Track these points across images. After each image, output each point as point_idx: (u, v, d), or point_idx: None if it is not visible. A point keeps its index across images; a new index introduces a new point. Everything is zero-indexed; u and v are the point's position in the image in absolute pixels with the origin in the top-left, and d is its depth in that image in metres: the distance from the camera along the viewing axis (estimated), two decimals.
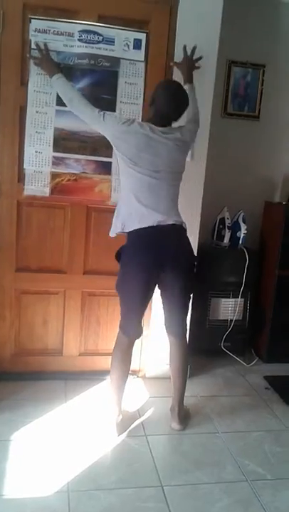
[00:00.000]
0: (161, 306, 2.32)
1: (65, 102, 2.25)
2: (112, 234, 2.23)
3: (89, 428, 2.30)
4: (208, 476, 2.02)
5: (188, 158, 2.33)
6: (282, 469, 2.11)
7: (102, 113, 2.15)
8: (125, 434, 2.27)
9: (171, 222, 2.13)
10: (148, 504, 1.83)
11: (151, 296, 2.26)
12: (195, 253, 2.49)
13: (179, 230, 2.16)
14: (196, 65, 2.45)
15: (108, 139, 2.17)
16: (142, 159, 2.09)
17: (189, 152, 2.37)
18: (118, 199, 2.28)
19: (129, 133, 2.10)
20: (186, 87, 2.32)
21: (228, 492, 1.93)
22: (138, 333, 2.29)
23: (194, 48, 2.44)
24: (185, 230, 2.20)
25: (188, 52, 2.44)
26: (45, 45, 2.35)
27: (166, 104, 2.14)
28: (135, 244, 2.13)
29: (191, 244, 2.27)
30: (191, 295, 2.32)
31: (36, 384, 2.64)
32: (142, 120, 2.38)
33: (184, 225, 2.19)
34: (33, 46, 2.35)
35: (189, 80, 2.42)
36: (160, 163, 2.11)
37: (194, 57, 2.45)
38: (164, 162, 2.12)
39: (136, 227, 2.11)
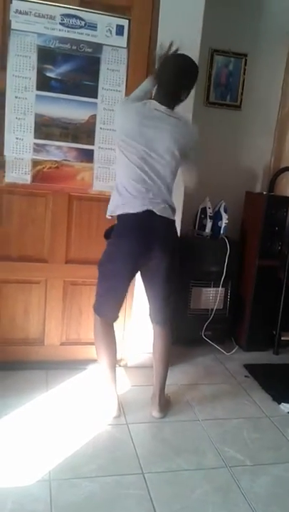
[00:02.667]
0: (145, 294, 2.32)
1: None
2: (107, 215, 2.24)
3: (70, 417, 2.30)
4: (189, 463, 2.04)
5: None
6: (261, 455, 2.15)
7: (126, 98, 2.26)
8: (106, 422, 2.28)
9: (159, 211, 2.11)
10: (129, 491, 1.84)
11: (131, 279, 2.25)
12: None
13: (166, 218, 2.15)
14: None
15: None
16: (136, 140, 2.06)
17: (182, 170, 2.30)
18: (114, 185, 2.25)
19: (128, 109, 2.13)
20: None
21: (208, 478, 1.96)
22: (114, 315, 2.28)
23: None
24: (173, 220, 2.19)
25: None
26: (171, 45, 2.22)
27: (171, 79, 2.11)
28: (126, 226, 2.13)
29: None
30: (174, 281, 2.30)
31: (17, 374, 2.62)
32: None
33: (171, 216, 2.18)
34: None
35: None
36: (152, 146, 2.06)
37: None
38: (158, 145, 2.07)
39: (125, 211, 2.11)
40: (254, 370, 2.99)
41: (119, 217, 2.15)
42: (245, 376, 2.92)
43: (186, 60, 2.14)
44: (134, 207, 2.09)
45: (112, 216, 2.21)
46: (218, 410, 2.50)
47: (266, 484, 1.96)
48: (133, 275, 2.25)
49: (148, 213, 2.09)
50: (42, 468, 1.91)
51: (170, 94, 2.13)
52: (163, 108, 2.10)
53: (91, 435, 2.17)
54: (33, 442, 2.09)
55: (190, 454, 2.11)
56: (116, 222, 2.18)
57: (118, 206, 2.14)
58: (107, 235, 2.22)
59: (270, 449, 2.20)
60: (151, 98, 2.17)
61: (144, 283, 2.31)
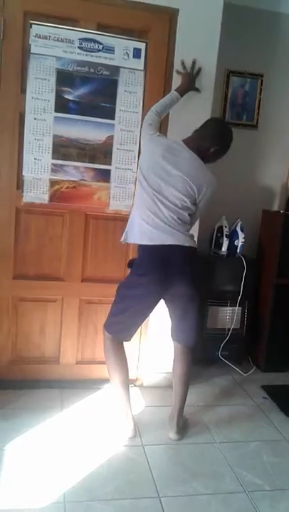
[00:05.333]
0: (168, 315, 2.32)
1: None
2: (122, 240, 2.29)
3: (85, 437, 2.28)
4: (206, 487, 2.00)
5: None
6: (280, 480, 2.09)
7: (151, 123, 2.29)
8: (121, 443, 2.25)
9: (175, 243, 2.13)
10: None
11: (153, 307, 2.25)
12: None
13: (185, 247, 2.16)
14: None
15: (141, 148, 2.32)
16: (155, 172, 2.12)
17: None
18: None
19: (154, 140, 2.21)
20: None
21: (225, 503, 1.91)
22: (125, 336, 2.28)
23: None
24: (190, 247, 2.20)
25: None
26: (194, 63, 2.49)
27: (211, 135, 2.20)
28: (146, 258, 2.18)
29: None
30: (198, 301, 2.30)
31: (32, 392, 2.62)
32: None
33: (190, 244, 2.19)
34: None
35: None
36: (171, 181, 2.12)
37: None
38: (177, 181, 2.12)
39: (138, 242, 2.18)
40: (272, 392, 2.93)
41: (139, 248, 2.20)
42: (264, 397, 2.87)
43: (227, 131, 2.29)
44: (153, 239, 2.13)
45: (125, 242, 2.28)
46: (235, 433, 2.45)
47: (286, 510, 1.90)
48: (155, 303, 2.25)
49: (167, 245, 2.12)
50: (56, 490, 1.89)
51: (200, 152, 2.19)
52: (189, 152, 2.16)
53: (106, 456, 2.14)
54: (47, 462, 2.07)
55: (207, 478, 2.06)
56: (137, 253, 2.23)
57: (135, 236, 2.19)
58: (130, 264, 2.27)
59: None
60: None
61: (167, 306, 2.31)
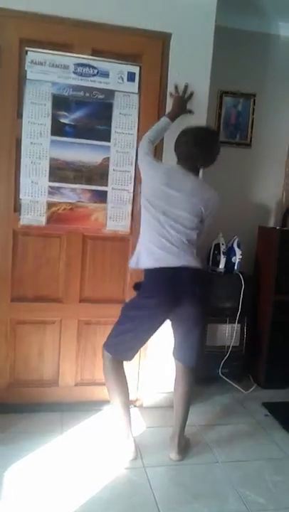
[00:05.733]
0: (172, 334, 2.33)
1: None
2: (130, 265, 2.31)
3: (86, 461, 2.25)
4: (209, 508, 1.98)
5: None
6: (284, 499, 2.07)
7: (148, 152, 2.30)
8: (123, 466, 2.23)
9: (183, 265, 2.15)
10: None
11: (157, 328, 2.25)
12: None
13: (193, 269, 2.18)
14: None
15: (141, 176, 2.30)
16: (159, 198, 2.15)
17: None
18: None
19: (154, 167, 2.23)
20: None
21: None
22: (125, 356, 2.27)
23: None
24: (199, 268, 2.22)
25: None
26: (186, 87, 2.53)
27: (192, 146, 2.20)
28: (153, 281, 2.18)
29: None
30: (203, 324, 2.34)
31: (32, 416, 2.60)
32: None
33: (198, 265, 2.21)
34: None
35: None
36: (175, 204, 2.14)
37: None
38: (180, 203, 2.15)
39: (149, 266, 2.17)
40: (274, 409, 2.91)
41: (146, 272, 2.21)
42: (265, 415, 2.85)
43: (208, 135, 2.28)
44: (160, 260, 2.14)
45: (136, 267, 2.26)
46: (237, 452, 2.43)
47: None
48: (160, 324, 2.25)
49: (176, 267, 2.14)
50: None
51: (189, 164, 2.23)
52: (187, 172, 2.20)
53: (107, 479, 2.12)
54: (48, 487, 2.04)
55: (210, 499, 2.04)
56: (144, 275, 2.23)
57: (145, 260, 2.19)
58: (137, 287, 2.27)
59: None
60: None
61: (172, 326, 2.31)
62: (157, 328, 2.25)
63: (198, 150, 2.21)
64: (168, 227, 2.15)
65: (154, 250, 2.16)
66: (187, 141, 2.21)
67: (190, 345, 2.29)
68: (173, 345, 2.35)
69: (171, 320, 2.28)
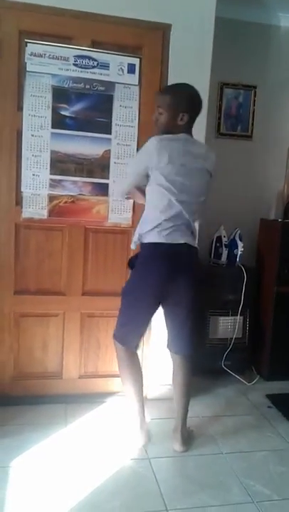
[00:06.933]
0: (165, 324, 2.30)
1: None
2: (133, 246, 2.24)
3: (91, 452, 2.26)
4: (214, 499, 1.98)
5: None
6: (288, 489, 2.08)
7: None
8: (128, 457, 2.23)
9: (184, 241, 2.12)
10: None
11: (157, 308, 2.24)
12: None
13: (193, 248, 2.18)
14: None
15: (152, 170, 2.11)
16: (170, 176, 2.06)
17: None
18: (143, 215, 2.22)
19: (162, 146, 2.06)
20: None
21: None
22: (136, 344, 2.27)
23: None
24: (197, 251, 2.21)
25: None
26: None
27: (198, 105, 2.15)
28: (152, 255, 2.13)
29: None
30: (197, 310, 2.29)
31: (36, 408, 2.61)
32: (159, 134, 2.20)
33: (195, 244, 2.21)
34: None
35: None
36: (185, 181, 2.08)
37: None
38: (192, 179, 2.10)
39: (153, 241, 2.10)
40: (277, 400, 2.92)
41: (145, 245, 2.15)
42: (268, 407, 2.86)
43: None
44: (166, 236, 2.09)
45: (138, 243, 2.20)
46: (241, 443, 2.44)
47: None
48: (158, 304, 2.23)
49: (179, 243, 2.11)
50: (62, 506, 1.87)
51: (192, 122, 2.16)
52: (191, 139, 2.15)
53: (112, 470, 2.12)
54: (53, 478, 2.05)
55: (215, 489, 2.04)
56: (139, 250, 2.19)
57: (145, 235, 2.13)
58: (131, 264, 2.23)
59: None
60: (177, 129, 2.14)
61: (165, 312, 2.27)
62: (156, 308, 2.22)
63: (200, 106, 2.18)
64: (177, 203, 2.07)
65: (160, 224, 2.09)
66: (194, 98, 2.15)
67: (186, 334, 2.26)
68: (167, 339, 2.32)
69: (165, 307, 2.24)
